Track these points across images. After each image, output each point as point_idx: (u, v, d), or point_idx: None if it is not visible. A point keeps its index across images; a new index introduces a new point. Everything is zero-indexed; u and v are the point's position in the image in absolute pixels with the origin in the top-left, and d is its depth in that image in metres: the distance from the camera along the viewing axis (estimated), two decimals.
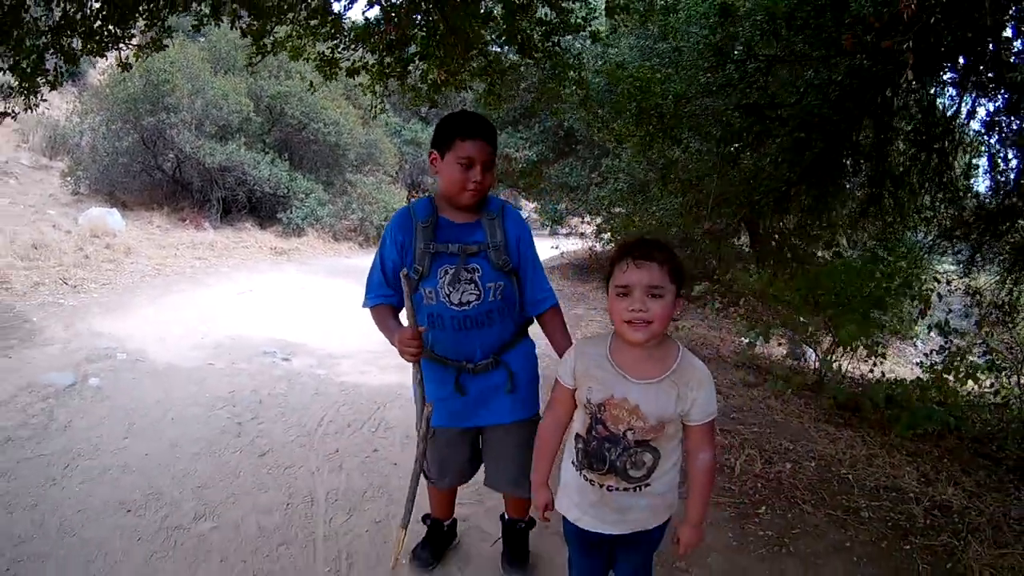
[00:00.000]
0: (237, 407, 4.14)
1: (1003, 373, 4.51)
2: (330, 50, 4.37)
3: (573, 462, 1.70)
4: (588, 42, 5.18)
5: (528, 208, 24.67)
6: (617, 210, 8.40)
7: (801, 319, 4.88)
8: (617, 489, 1.62)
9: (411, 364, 2.04)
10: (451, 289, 1.99)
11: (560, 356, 1.86)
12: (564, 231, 15.01)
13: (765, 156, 4.44)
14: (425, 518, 2.50)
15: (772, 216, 4.62)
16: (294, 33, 4.15)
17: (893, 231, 5.28)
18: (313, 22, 3.81)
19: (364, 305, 2.15)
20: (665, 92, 3.95)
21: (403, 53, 3.94)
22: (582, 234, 10.63)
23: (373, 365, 5.25)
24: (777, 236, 5.45)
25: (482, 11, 3.67)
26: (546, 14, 3.83)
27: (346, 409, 4.21)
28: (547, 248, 11.57)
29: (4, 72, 4.10)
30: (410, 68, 4.10)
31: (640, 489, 1.62)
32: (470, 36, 3.65)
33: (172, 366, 4.97)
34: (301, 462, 3.37)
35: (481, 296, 2.00)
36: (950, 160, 4.74)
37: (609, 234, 9.64)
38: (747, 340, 5.35)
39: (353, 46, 4.18)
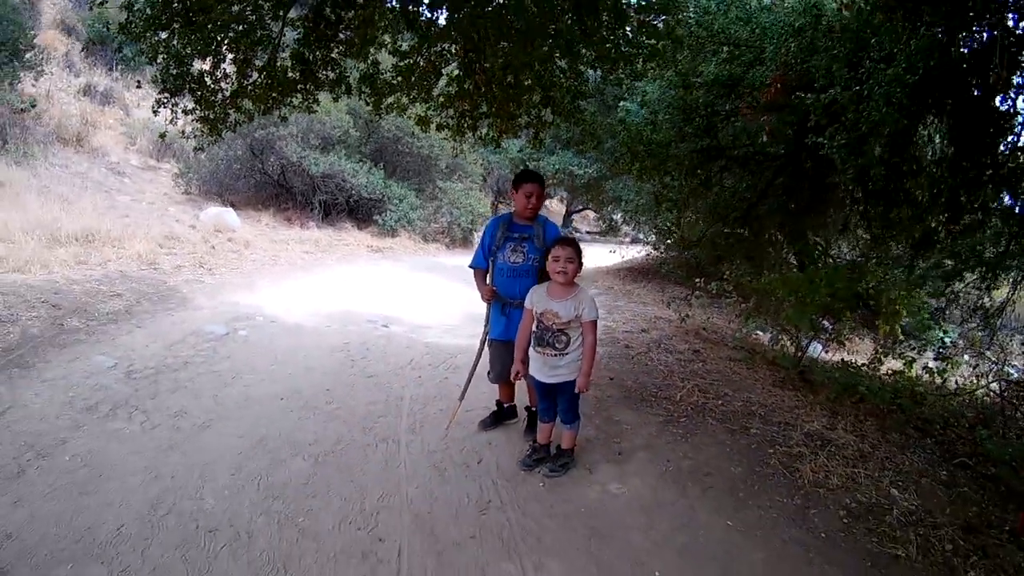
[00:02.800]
0: (351, 352, 5.99)
1: (947, 364, 5.53)
2: (424, 111, 6.24)
3: (532, 345, 3.51)
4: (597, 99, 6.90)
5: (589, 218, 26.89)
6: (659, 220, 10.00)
7: (782, 311, 6.36)
8: (550, 355, 3.41)
9: (485, 304, 4.02)
10: (511, 254, 3.87)
11: None
12: (626, 239, 16.51)
13: (734, 184, 6.06)
14: (497, 402, 4.35)
15: (738, 228, 6.17)
16: (401, 100, 6.06)
17: (880, 243, 6.21)
18: (413, 93, 5.74)
19: (470, 266, 4.12)
20: (650, 140, 5.70)
21: (473, 114, 5.83)
22: (636, 240, 12.04)
23: (450, 334, 7.03)
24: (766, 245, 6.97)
25: (526, 83, 5.51)
26: (571, 85, 5.63)
27: (429, 357, 5.99)
28: (605, 252, 13.10)
29: (197, 122, 5.74)
30: (478, 125, 6.00)
31: (561, 356, 3.40)
32: (516, 106, 5.53)
33: (299, 325, 6.89)
34: (396, 382, 5.18)
35: (525, 260, 3.84)
36: (918, 180, 5.91)
37: (668, 241, 10.97)
38: (742, 329, 6.89)
39: (440, 109, 6.08)
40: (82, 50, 17.55)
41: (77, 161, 13.45)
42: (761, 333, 7.62)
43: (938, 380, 5.61)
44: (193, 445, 3.84)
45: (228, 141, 13.92)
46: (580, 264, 3.43)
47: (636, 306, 8.86)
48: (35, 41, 14.18)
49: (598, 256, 14.78)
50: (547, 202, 30.60)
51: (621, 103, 6.76)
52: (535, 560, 2.87)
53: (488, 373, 4.21)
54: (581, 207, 26.37)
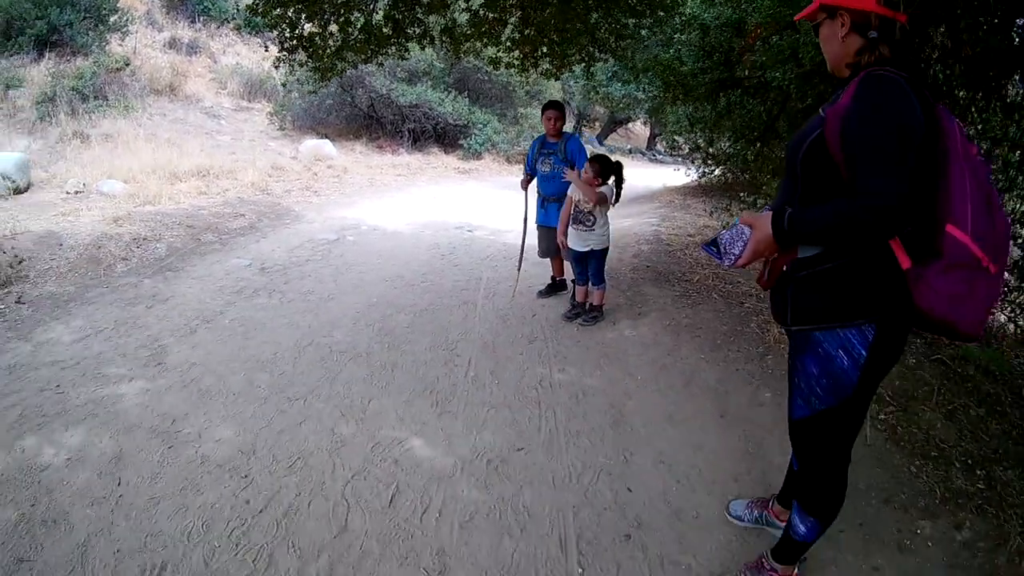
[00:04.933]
0: (441, 250, 7.55)
1: None
2: (495, 54, 7.50)
3: (571, 222, 4.87)
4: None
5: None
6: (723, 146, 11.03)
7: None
8: (581, 230, 4.77)
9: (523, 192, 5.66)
10: (543, 165, 5.31)
11: None
12: (689, 160, 17.21)
13: (752, 108, 7.14)
14: (552, 277, 5.85)
15: (760, 145, 7.23)
16: (476, 45, 7.35)
17: None
18: (484, 40, 7.02)
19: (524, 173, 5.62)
20: (680, 72, 6.85)
21: (534, 55, 7.09)
22: (695, 160, 12.78)
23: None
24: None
25: (578, 27, 6.72)
26: (614, 28, 6.79)
27: (504, 252, 7.50)
28: (670, 171, 14.04)
29: (307, 70, 7.08)
30: (539, 63, 7.27)
31: (590, 232, 4.75)
32: (568, 46, 6.78)
33: (397, 232, 8.48)
34: (477, 268, 6.71)
35: (551, 168, 5.22)
36: None
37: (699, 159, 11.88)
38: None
39: (507, 52, 7.35)
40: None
41: (173, 109, 14.93)
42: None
43: None
44: (322, 309, 5.36)
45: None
46: (603, 179, 4.72)
47: (690, 216, 9.97)
48: (117, 5, 15.66)
49: (665, 176, 15.80)
50: (630, 125, 31.60)
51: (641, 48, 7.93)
52: (559, 367, 4.34)
53: (537, 252, 5.77)
54: (660, 131, 27.12)
